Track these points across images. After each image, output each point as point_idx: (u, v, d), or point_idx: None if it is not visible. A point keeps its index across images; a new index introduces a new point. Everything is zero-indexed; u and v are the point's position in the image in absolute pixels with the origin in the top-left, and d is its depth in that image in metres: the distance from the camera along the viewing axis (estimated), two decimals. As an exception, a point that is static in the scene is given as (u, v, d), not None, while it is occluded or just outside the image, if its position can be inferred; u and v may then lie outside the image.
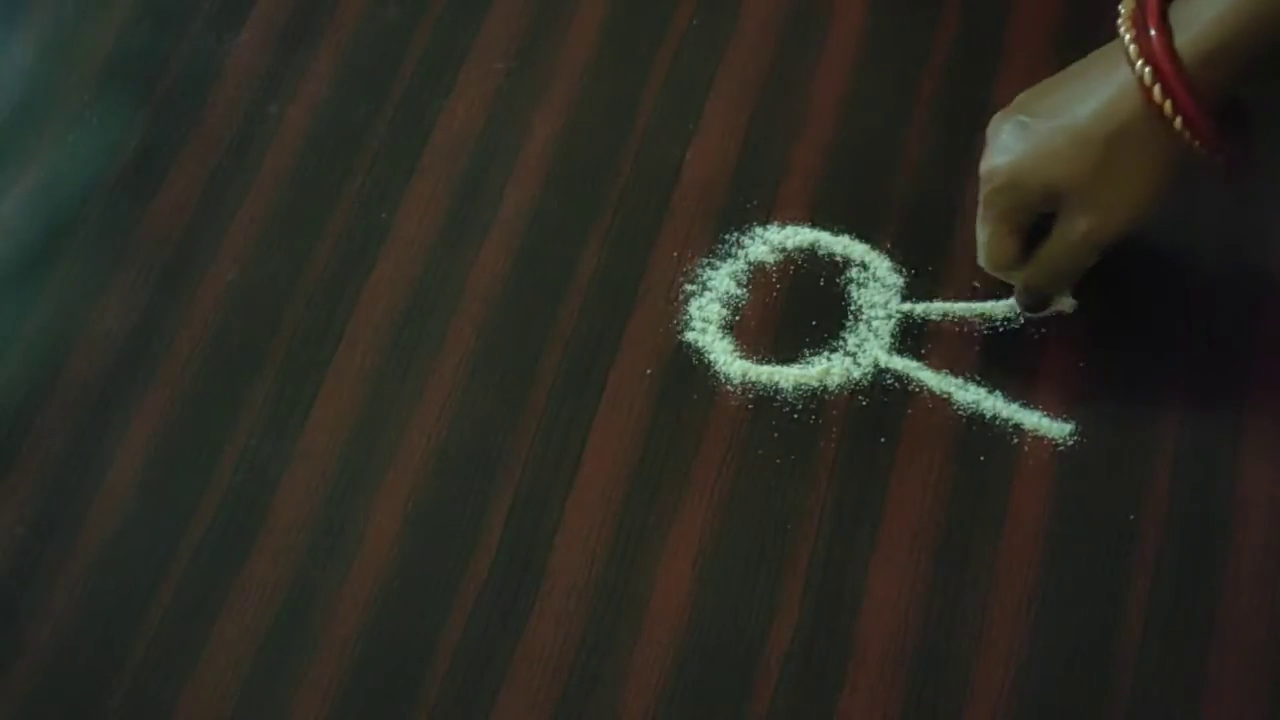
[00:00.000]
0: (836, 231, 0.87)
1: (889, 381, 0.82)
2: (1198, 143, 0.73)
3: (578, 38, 0.94)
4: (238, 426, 0.84)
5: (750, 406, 0.82)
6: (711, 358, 0.84)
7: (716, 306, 0.85)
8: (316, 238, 0.89)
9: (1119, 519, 0.79)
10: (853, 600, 0.77)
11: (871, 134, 0.90)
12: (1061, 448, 0.80)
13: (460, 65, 0.94)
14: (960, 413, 0.81)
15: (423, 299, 0.87)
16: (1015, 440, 0.81)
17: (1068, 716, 0.75)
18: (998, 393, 0.82)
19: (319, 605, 0.79)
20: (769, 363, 0.83)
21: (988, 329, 0.84)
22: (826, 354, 0.83)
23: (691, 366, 0.84)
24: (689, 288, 0.86)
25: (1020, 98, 0.78)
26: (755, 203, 0.88)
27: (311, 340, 0.86)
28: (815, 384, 0.83)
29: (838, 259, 0.86)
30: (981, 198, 0.79)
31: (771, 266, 0.86)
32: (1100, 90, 0.73)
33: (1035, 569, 0.78)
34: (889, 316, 0.84)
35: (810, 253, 0.86)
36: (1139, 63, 0.71)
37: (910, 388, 0.82)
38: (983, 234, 0.80)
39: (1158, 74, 0.71)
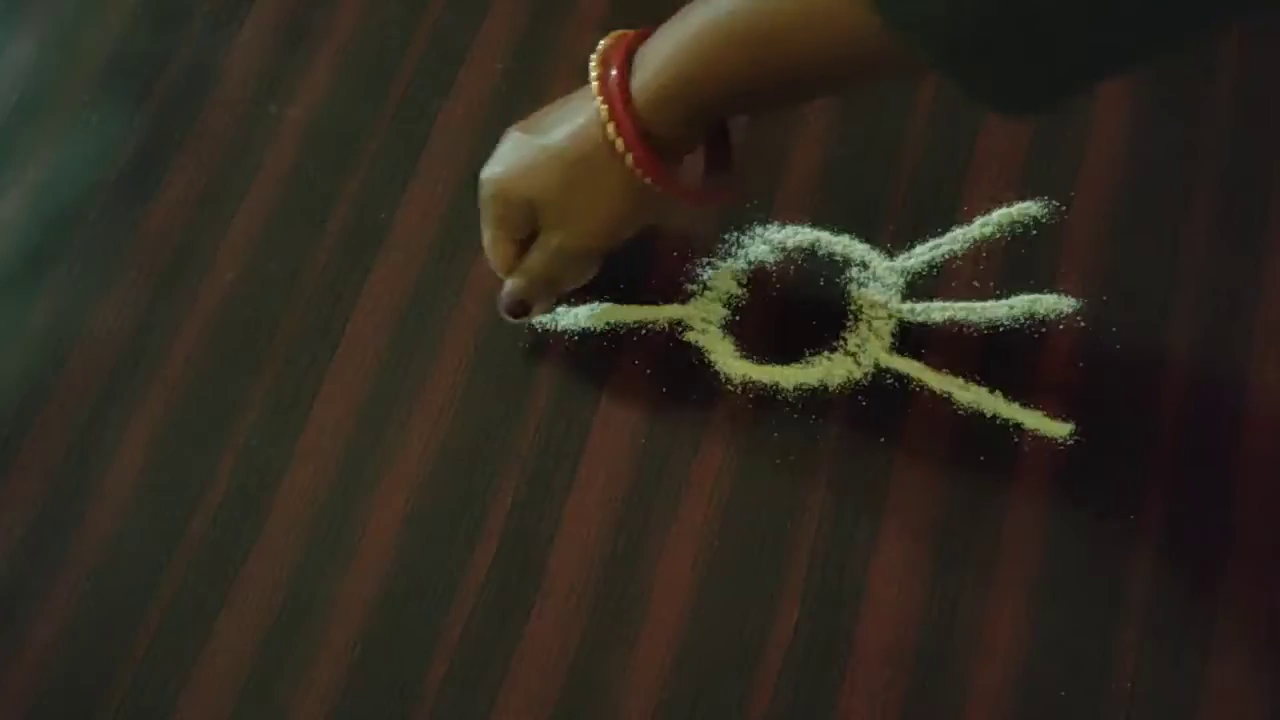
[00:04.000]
0: (836, 231, 0.87)
1: (889, 381, 0.82)
2: (646, 177, 0.76)
3: (577, 38, 0.94)
4: (238, 426, 0.84)
5: (750, 406, 0.82)
6: (711, 358, 0.84)
7: (717, 306, 0.85)
8: (316, 238, 0.89)
9: (1119, 519, 0.79)
10: (853, 600, 0.77)
11: (871, 134, 0.90)
12: (1061, 448, 0.80)
13: (460, 65, 0.94)
14: (960, 413, 0.81)
15: (423, 299, 0.87)
16: (1015, 440, 0.81)
17: (1068, 716, 0.75)
18: (998, 393, 0.82)
19: (319, 605, 0.79)
20: (769, 363, 0.83)
21: (988, 329, 0.84)
22: (827, 354, 0.83)
23: (691, 366, 0.84)
24: (689, 287, 0.86)
25: (535, 114, 0.81)
26: (755, 203, 0.88)
27: (311, 340, 0.86)
28: (815, 384, 0.83)
29: (838, 259, 0.86)
30: (480, 200, 0.81)
31: (771, 266, 0.86)
32: (577, 117, 0.77)
33: (1035, 569, 0.78)
34: (889, 316, 0.84)
35: (810, 253, 0.86)
36: (598, 99, 0.75)
37: (910, 388, 0.82)
38: (486, 237, 0.82)
39: (611, 112, 0.75)
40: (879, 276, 0.85)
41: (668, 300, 0.86)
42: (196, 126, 0.93)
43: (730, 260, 0.87)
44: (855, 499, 0.80)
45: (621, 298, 0.86)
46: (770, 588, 0.78)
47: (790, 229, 0.87)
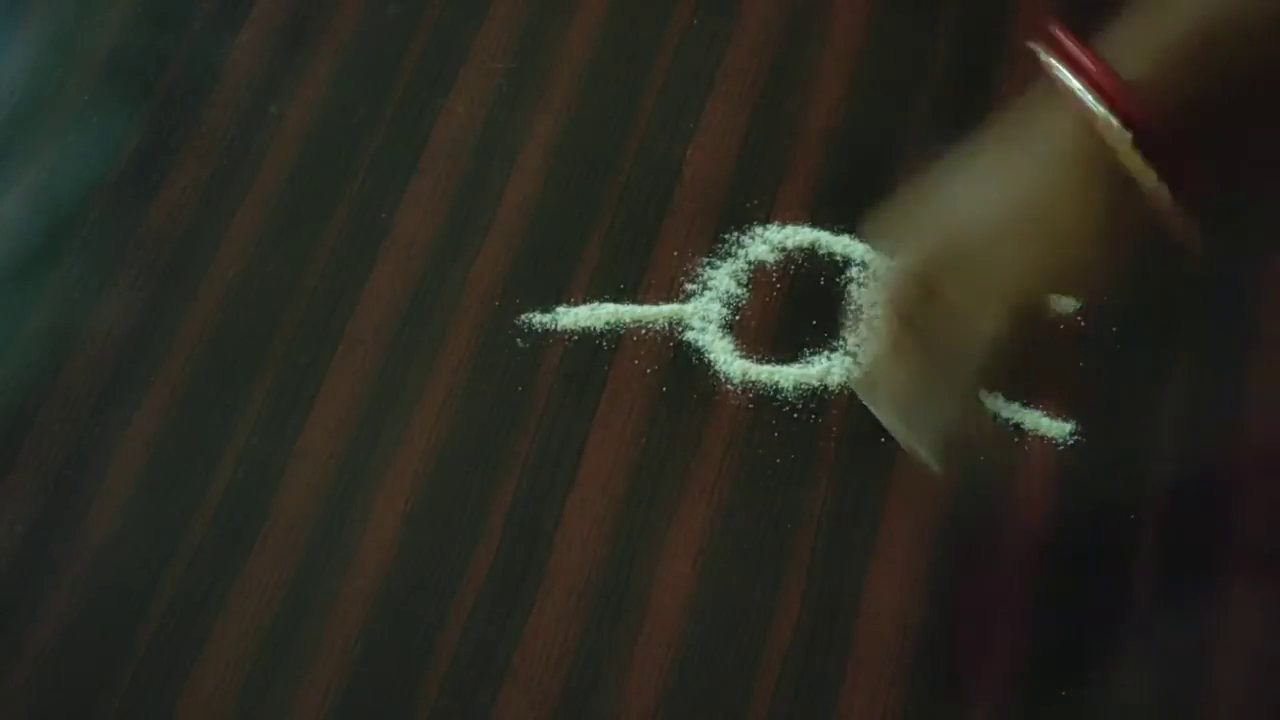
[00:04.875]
0: (836, 231, 0.87)
1: (889, 381, 0.82)
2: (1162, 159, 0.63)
3: (577, 38, 0.94)
4: (238, 426, 0.84)
5: (750, 406, 0.82)
6: (711, 357, 0.84)
7: (716, 306, 0.85)
8: (316, 238, 0.89)
9: (1119, 519, 0.79)
10: (853, 600, 0.77)
11: (872, 134, 0.90)
12: (1061, 448, 0.80)
13: (460, 65, 0.94)
14: (960, 413, 0.81)
15: (423, 299, 0.87)
16: (1015, 440, 0.81)
17: (1069, 716, 0.75)
18: (998, 393, 0.82)
19: (319, 605, 0.79)
20: (769, 362, 0.83)
21: (988, 329, 0.84)
22: (827, 354, 0.83)
23: (691, 366, 0.83)
24: (689, 287, 0.86)
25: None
26: (755, 202, 0.88)
27: (311, 340, 0.86)
28: (815, 384, 0.83)
29: (838, 259, 0.86)
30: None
31: (771, 266, 0.86)
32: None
33: (1035, 569, 0.78)
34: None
35: (810, 252, 0.86)
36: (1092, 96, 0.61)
37: (910, 388, 0.82)
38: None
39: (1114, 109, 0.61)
40: (879, 276, 0.85)
41: (668, 300, 0.86)
42: (196, 126, 0.93)
43: (730, 260, 0.87)
44: (855, 499, 0.80)
45: (621, 298, 0.86)
46: (770, 588, 0.78)
47: (790, 229, 0.87)
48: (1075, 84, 0.61)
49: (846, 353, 0.83)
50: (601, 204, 0.89)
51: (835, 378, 0.82)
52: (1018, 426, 0.81)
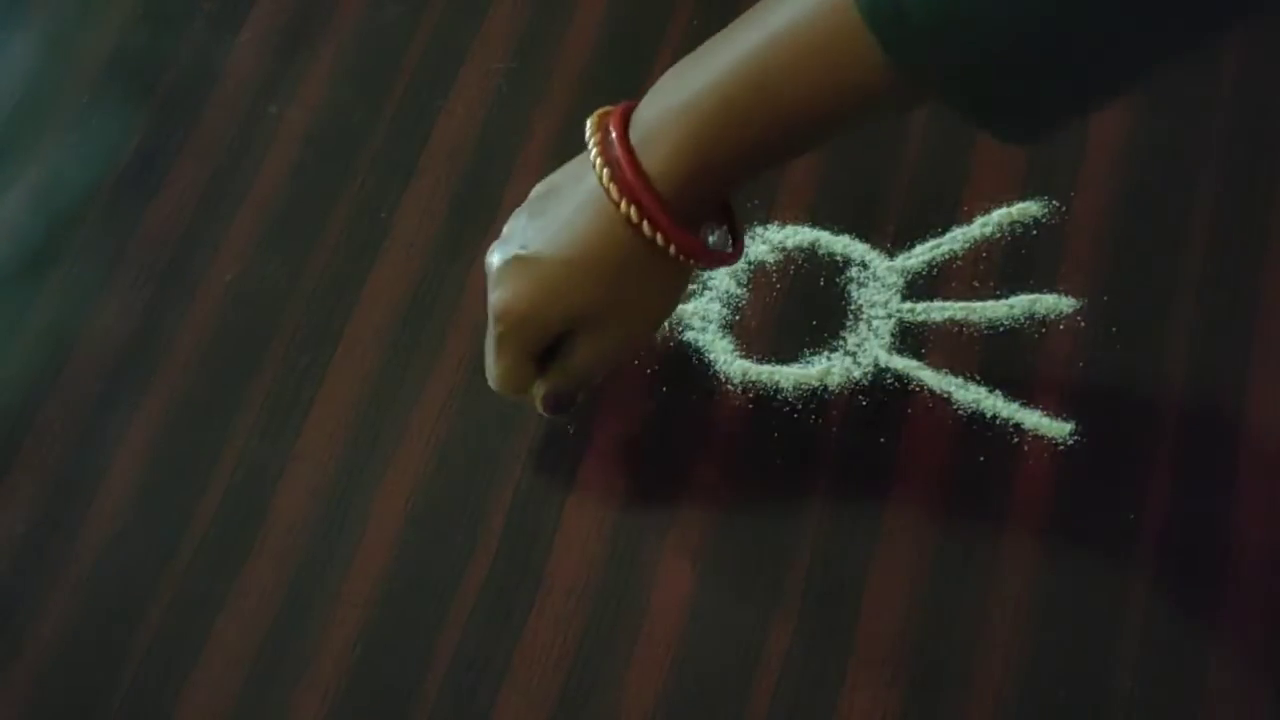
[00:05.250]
0: (836, 231, 0.87)
1: (889, 381, 0.82)
2: (696, 262, 0.73)
3: (577, 38, 0.94)
4: (238, 427, 0.84)
5: (750, 406, 0.82)
6: (711, 357, 0.84)
7: (716, 306, 0.85)
8: (316, 238, 0.89)
9: (1119, 519, 0.79)
10: (852, 600, 0.77)
11: (871, 134, 0.90)
12: (1061, 448, 0.80)
13: (460, 65, 0.94)
14: (960, 412, 0.81)
15: (423, 299, 0.87)
16: (1015, 440, 0.81)
17: (1068, 716, 0.75)
18: (998, 393, 0.82)
19: (319, 605, 0.79)
20: (769, 362, 0.83)
21: (988, 329, 0.84)
22: (826, 354, 0.83)
23: (691, 366, 0.83)
24: (689, 287, 0.86)
25: (511, 226, 0.76)
26: (755, 202, 0.88)
27: (311, 340, 0.86)
28: (815, 384, 0.83)
29: (838, 259, 0.86)
30: (495, 335, 0.76)
31: (771, 266, 0.86)
32: (592, 221, 0.72)
33: (1035, 569, 0.78)
34: (889, 316, 0.84)
35: (810, 253, 0.86)
36: (623, 202, 0.70)
37: (910, 387, 0.82)
38: (499, 366, 0.77)
39: (643, 210, 0.70)
40: (879, 276, 0.85)
41: (668, 300, 0.85)
42: (197, 126, 0.93)
43: (730, 260, 0.86)
44: (855, 499, 0.80)
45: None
46: (770, 587, 0.78)
47: (790, 229, 0.87)
48: (623, 202, 0.71)
49: (846, 353, 0.83)
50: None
51: (835, 378, 0.82)
52: (1018, 426, 0.81)
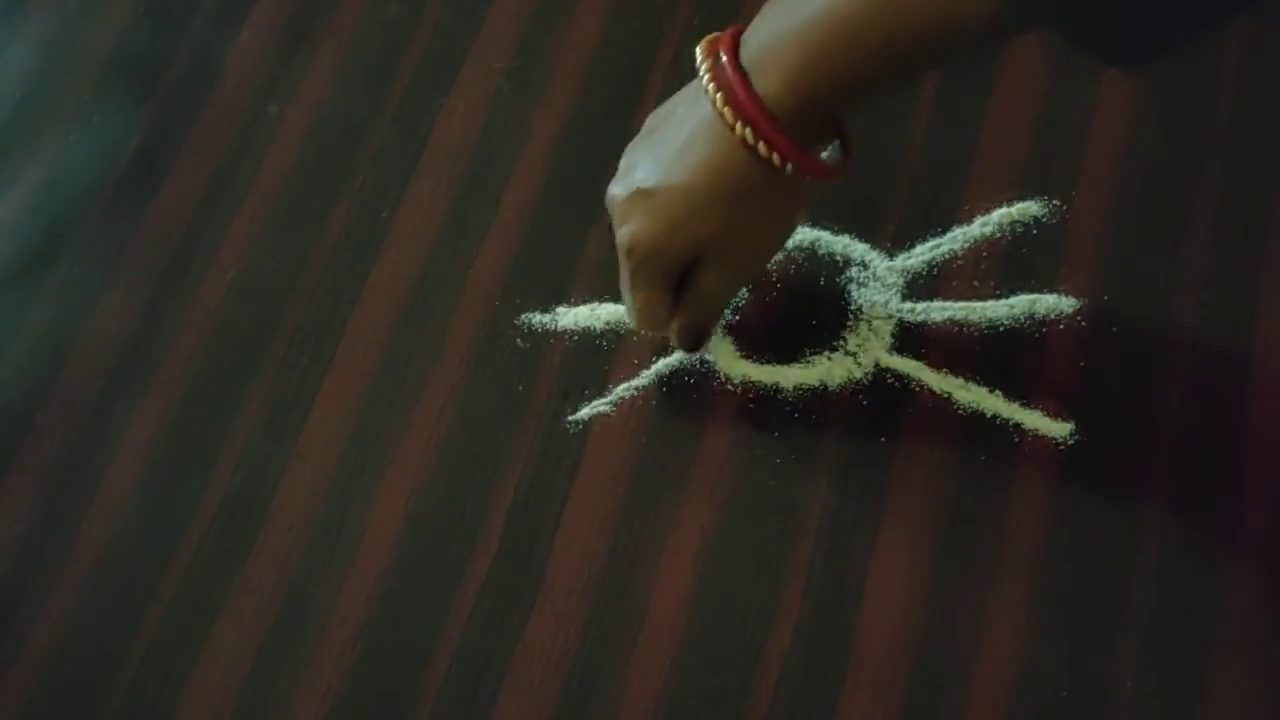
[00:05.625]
0: (836, 231, 0.87)
1: (889, 381, 0.82)
2: (811, 177, 0.74)
3: (578, 37, 0.94)
4: (238, 426, 0.84)
5: (750, 406, 0.82)
6: (711, 357, 0.84)
7: (717, 306, 0.85)
8: (316, 238, 0.89)
9: (1119, 519, 0.79)
10: (853, 600, 0.77)
11: (871, 134, 0.90)
12: (1061, 448, 0.80)
13: (460, 65, 0.94)
14: (960, 412, 0.81)
15: (423, 299, 0.87)
16: (1015, 440, 0.81)
17: (1068, 716, 0.75)
18: (998, 393, 0.82)
19: (319, 605, 0.79)
20: (769, 363, 0.83)
21: (988, 329, 0.84)
22: (827, 354, 0.83)
23: (692, 366, 0.83)
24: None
25: (626, 161, 0.77)
26: (755, 202, 0.88)
27: (311, 340, 0.86)
28: (816, 384, 0.83)
29: (838, 259, 0.86)
30: (628, 270, 0.77)
31: (771, 266, 0.86)
32: (709, 147, 0.73)
33: (1035, 569, 0.78)
34: (889, 316, 0.84)
35: (810, 253, 0.86)
36: (737, 123, 0.71)
37: (910, 388, 0.82)
38: (636, 301, 0.78)
39: (759, 132, 0.71)
40: (879, 276, 0.85)
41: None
42: (197, 126, 0.93)
43: (730, 260, 0.86)
44: (855, 499, 0.80)
45: (621, 297, 0.86)
46: (770, 588, 0.78)
47: (790, 229, 0.87)
48: (739, 125, 0.71)
49: (847, 353, 0.83)
50: (601, 204, 0.89)
51: (835, 378, 0.83)
52: (1018, 426, 0.81)
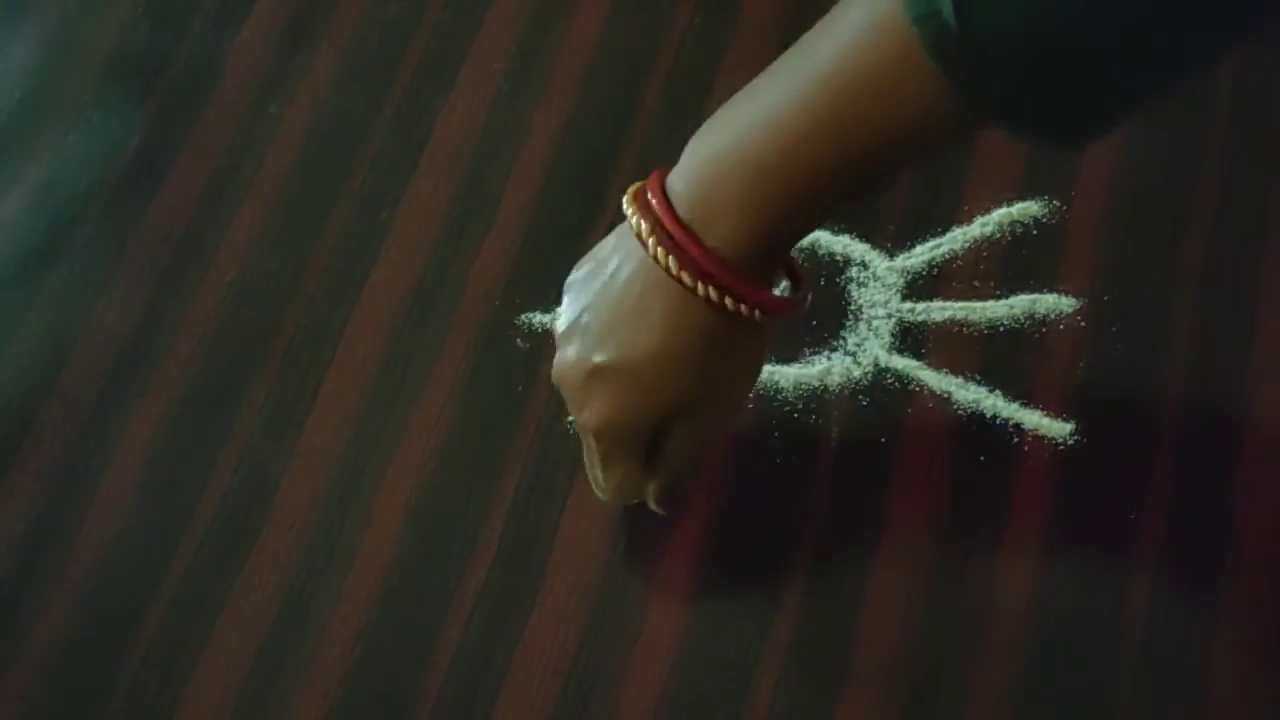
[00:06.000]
0: (836, 231, 0.87)
1: (889, 381, 0.82)
2: (782, 316, 0.71)
3: (578, 37, 0.94)
4: (238, 426, 0.84)
5: (750, 406, 0.82)
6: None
7: (716, 306, 0.85)
8: (316, 238, 0.89)
9: (1119, 519, 0.79)
10: (853, 600, 0.77)
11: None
12: (1061, 448, 0.80)
13: (460, 65, 0.94)
14: (960, 412, 0.81)
15: (423, 299, 0.87)
16: (1015, 440, 0.81)
17: (1068, 716, 0.75)
18: (998, 392, 0.82)
19: (319, 605, 0.79)
20: (769, 362, 0.83)
21: (988, 329, 0.84)
22: (827, 353, 0.83)
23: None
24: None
25: (569, 332, 0.72)
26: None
27: (311, 340, 0.86)
28: (815, 383, 0.83)
29: (838, 259, 0.86)
30: (600, 451, 0.74)
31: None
32: (666, 312, 0.68)
33: (1035, 569, 0.78)
34: (889, 316, 0.84)
35: (810, 253, 0.86)
36: (699, 285, 0.67)
37: (910, 387, 0.82)
38: (611, 480, 0.75)
39: (723, 291, 0.67)
40: (879, 276, 0.85)
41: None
42: (197, 126, 0.93)
43: (730, 260, 0.86)
44: (855, 499, 0.80)
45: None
46: (770, 587, 0.78)
47: (790, 229, 0.87)
48: (670, 263, 0.67)
49: (846, 353, 0.83)
50: (601, 204, 0.89)
51: (835, 378, 0.83)
52: (1018, 426, 0.81)
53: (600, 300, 0.70)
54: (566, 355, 0.72)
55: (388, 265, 0.88)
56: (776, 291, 0.72)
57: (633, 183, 0.70)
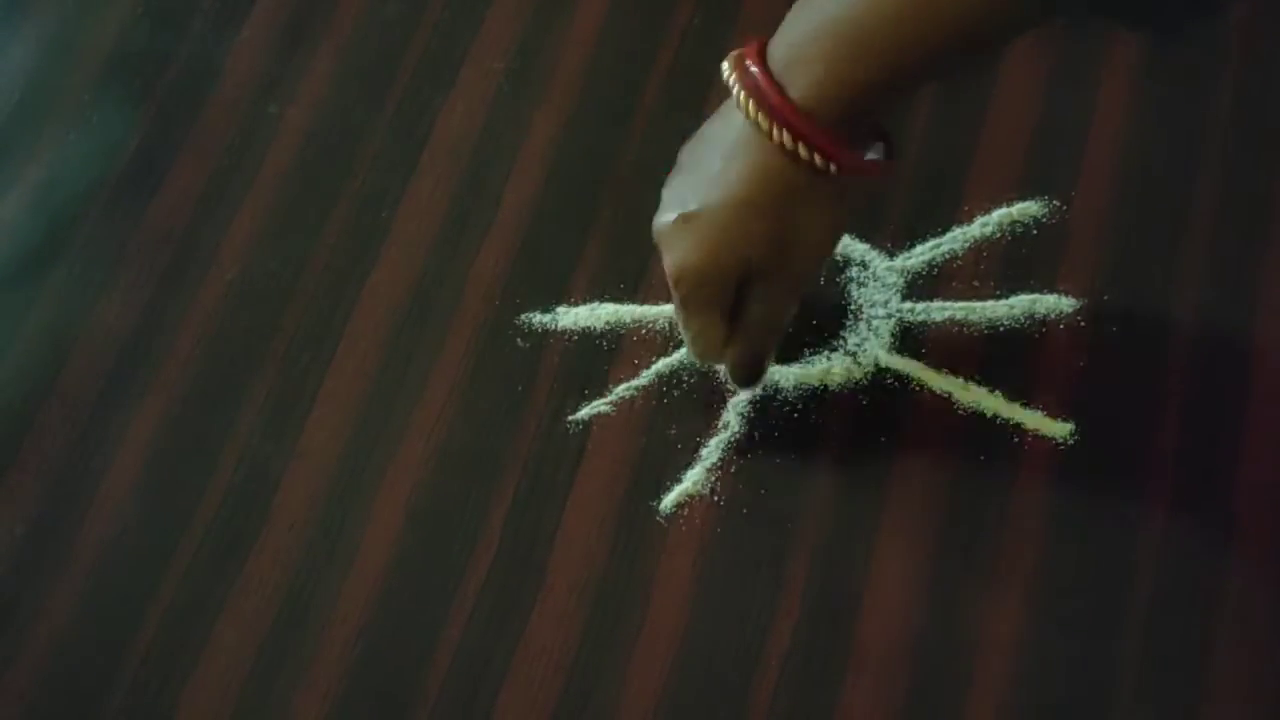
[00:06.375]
0: (836, 231, 0.87)
1: (889, 381, 0.82)
2: (855, 176, 0.72)
3: (578, 38, 0.94)
4: (238, 426, 0.84)
5: (750, 406, 0.82)
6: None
7: (717, 306, 0.85)
8: (316, 238, 0.89)
9: (1119, 519, 0.79)
10: (853, 600, 0.77)
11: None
12: (1061, 448, 0.80)
13: (460, 65, 0.94)
14: (960, 413, 0.81)
15: (423, 299, 0.87)
16: (1015, 440, 0.81)
17: (1068, 716, 0.75)
18: (998, 393, 0.82)
19: (319, 605, 0.79)
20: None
21: (988, 329, 0.84)
22: (827, 353, 0.83)
23: (692, 367, 0.83)
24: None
25: (668, 190, 0.75)
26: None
27: (311, 340, 0.86)
28: (816, 383, 0.83)
29: (838, 259, 0.86)
30: (680, 300, 0.75)
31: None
32: (748, 159, 0.71)
33: (1035, 569, 0.78)
34: (889, 316, 0.84)
35: (810, 252, 0.86)
36: (774, 129, 0.70)
37: (910, 387, 0.82)
38: (690, 329, 0.76)
39: (796, 134, 0.70)
40: (879, 276, 0.85)
41: (668, 300, 0.85)
42: (196, 126, 0.93)
43: (730, 260, 0.86)
44: (855, 499, 0.80)
45: (621, 298, 0.86)
46: (770, 587, 0.78)
47: (790, 229, 0.87)
48: (749, 107, 0.70)
49: (847, 352, 0.83)
50: (601, 204, 0.89)
51: (836, 378, 0.83)
52: (1018, 426, 0.81)
53: (696, 157, 0.74)
54: (663, 207, 0.75)
55: (388, 265, 0.88)
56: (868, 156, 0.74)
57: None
